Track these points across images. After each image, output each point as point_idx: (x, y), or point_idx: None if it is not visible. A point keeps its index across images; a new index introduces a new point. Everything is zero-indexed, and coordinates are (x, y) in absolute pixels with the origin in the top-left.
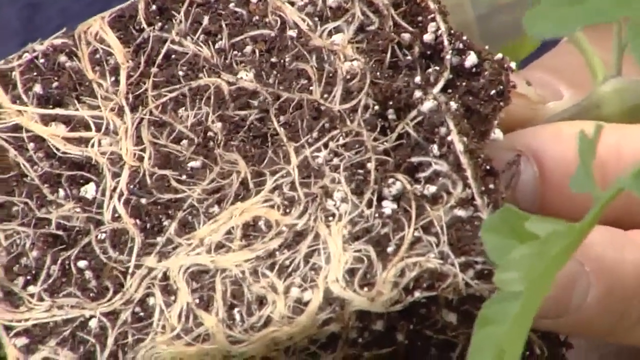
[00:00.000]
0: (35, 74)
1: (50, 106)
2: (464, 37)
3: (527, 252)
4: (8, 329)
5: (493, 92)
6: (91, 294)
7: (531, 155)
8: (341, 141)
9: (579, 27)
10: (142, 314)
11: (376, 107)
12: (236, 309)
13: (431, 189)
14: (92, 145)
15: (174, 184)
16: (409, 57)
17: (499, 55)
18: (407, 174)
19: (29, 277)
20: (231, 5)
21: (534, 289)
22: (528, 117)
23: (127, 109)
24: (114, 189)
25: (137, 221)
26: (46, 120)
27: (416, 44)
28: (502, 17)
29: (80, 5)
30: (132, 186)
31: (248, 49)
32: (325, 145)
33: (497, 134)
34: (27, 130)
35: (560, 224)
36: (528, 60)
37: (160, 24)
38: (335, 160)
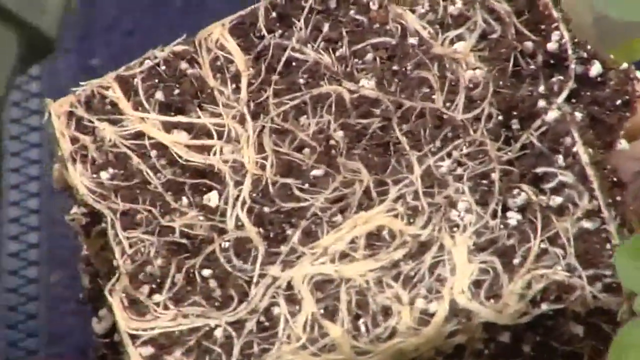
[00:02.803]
0: (157, 80)
1: (172, 113)
2: (588, 46)
3: None
4: (134, 337)
5: (619, 102)
6: (216, 303)
7: None
8: (465, 150)
9: None
10: (267, 323)
11: (499, 117)
12: (361, 320)
13: (557, 200)
14: (215, 153)
15: (296, 192)
16: (532, 66)
17: (625, 65)
18: (532, 185)
19: (154, 286)
20: (351, 12)
21: None
22: None
23: (248, 117)
24: (237, 198)
25: (261, 230)
26: (168, 127)
27: (539, 52)
28: None
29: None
30: (254, 194)
31: (369, 56)
32: (449, 155)
33: (623, 144)
34: (150, 138)
35: None
36: None
37: (280, 31)
38: (459, 170)
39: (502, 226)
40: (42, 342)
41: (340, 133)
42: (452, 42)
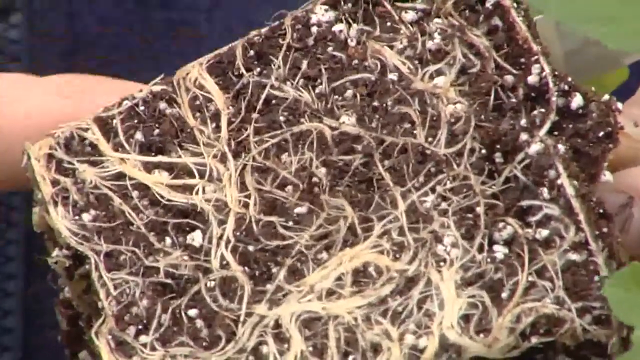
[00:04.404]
0: (136, 121)
1: (153, 153)
2: (569, 79)
3: None
4: None
5: (601, 133)
6: (203, 343)
7: (637, 196)
8: (448, 185)
9: None
10: None
11: (482, 151)
12: (351, 357)
13: (543, 232)
14: (197, 193)
15: (280, 230)
16: (513, 100)
17: (606, 97)
18: (517, 218)
19: (140, 327)
20: (329, 49)
21: None
22: (631, 157)
23: (229, 156)
24: (221, 237)
25: (246, 268)
26: (149, 167)
27: (520, 85)
28: (590, 51)
29: (118, 12)
30: (238, 233)
31: (349, 93)
32: (433, 190)
33: (607, 176)
34: (131, 178)
35: None
36: (615, 93)
37: (258, 69)
38: (444, 205)
39: (489, 260)
40: (18, 356)
41: (322, 170)
42: (431, 77)
